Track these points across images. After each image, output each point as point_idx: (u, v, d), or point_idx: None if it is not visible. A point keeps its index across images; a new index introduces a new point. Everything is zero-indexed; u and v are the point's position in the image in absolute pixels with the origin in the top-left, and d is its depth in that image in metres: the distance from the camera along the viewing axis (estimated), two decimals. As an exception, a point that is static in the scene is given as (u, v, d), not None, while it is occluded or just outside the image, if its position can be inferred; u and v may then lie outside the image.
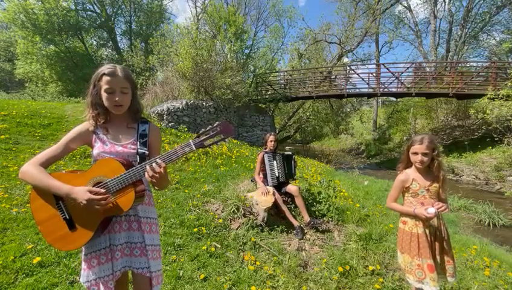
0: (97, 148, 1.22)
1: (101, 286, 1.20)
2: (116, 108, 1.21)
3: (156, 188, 1.21)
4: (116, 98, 1.18)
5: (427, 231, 1.71)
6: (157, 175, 1.10)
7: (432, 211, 1.59)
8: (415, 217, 1.73)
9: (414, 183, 1.75)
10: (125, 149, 1.24)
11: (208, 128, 1.18)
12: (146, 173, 1.10)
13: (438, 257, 1.69)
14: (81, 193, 1.07)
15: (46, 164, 1.17)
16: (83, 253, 1.23)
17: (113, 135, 1.26)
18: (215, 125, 1.18)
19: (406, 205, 1.79)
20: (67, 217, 1.14)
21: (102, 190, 1.11)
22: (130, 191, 1.13)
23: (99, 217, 1.13)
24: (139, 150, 1.24)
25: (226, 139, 1.19)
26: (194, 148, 1.16)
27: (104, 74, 1.18)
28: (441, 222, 1.73)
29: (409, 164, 1.81)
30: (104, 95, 1.19)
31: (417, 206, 1.71)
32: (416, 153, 1.70)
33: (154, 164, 1.11)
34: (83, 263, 1.23)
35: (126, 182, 1.13)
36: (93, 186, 1.14)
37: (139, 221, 1.27)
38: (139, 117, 1.33)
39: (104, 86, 1.18)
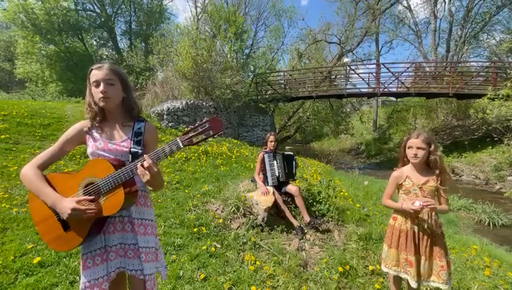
0: (90, 147, 1.22)
1: (95, 288, 1.18)
2: (102, 100, 1.18)
3: (150, 188, 1.21)
4: (101, 89, 1.17)
5: (415, 228, 1.72)
6: (147, 174, 1.07)
7: (416, 204, 1.62)
8: (404, 213, 1.75)
9: (407, 180, 1.76)
10: (118, 147, 1.23)
11: (196, 125, 1.15)
12: (138, 170, 1.09)
13: (423, 257, 1.68)
14: (66, 204, 1.06)
15: (44, 166, 1.18)
16: (81, 253, 1.23)
17: (107, 133, 1.25)
18: (203, 121, 1.16)
19: (399, 202, 1.80)
20: (62, 217, 1.13)
21: (90, 197, 1.10)
22: (120, 191, 1.11)
23: (90, 218, 1.12)
24: (131, 149, 1.22)
25: (215, 135, 1.17)
26: (181, 146, 1.13)
27: (91, 69, 1.21)
28: (433, 223, 1.71)
29: (406, 161, 1.81)
30: (92, 90, 1.20)
31: (405, 202, 1.74)
32: (411, 147, 1.71)
33: (142, 163, 1.09)
34: (81, 263, 1.23)
35: (116, 182, 1.10)
36: (84, 187, 1.14)
37: (133, 222, 1.25)
38: (135, 115, 1.32)
39: (92, 80, 1.19)
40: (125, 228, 1.25)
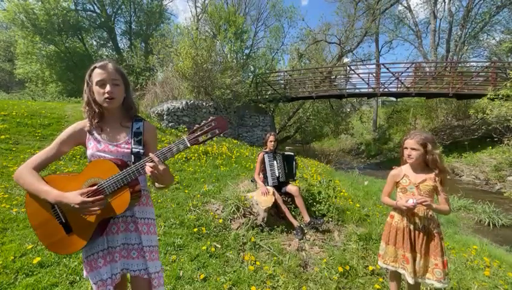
0: (91, 148, 1.19)
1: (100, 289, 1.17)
2: (108, 101, 1.16)
3: (156, 185, 1.20)
4: (107, 89, 1.15)
5: (411, 227, 1.74)
6: (156, 172, 1.08)
7: (410, 201, 1.64)
8: (401, 211, 1.78)
9: (404, 178, 1.78)
10: (119, 148, 1.21)
11: (202, 124, 1.15)
12: (147, 170, 1.08)
13: (418, 254, 1.70)
14: (72, 197, 1.04)
15: (39, 167, 1.14)
16: (83, 256, 1.21)
17: (107, 134, 1.23)
18: (209, 120, 1.16)
19: (397, 200, 1.82)
20: (63, 220, 1.12)
21: (94, 187, 1.08)
22: (126, 191, 1.10)
23: (96, 220, 1.10)
24: (133, 149, 1.21)
25: (220, 134, 1.17)
26: (189, 145, 1.13)
27: (95, 67, 1.17)
28: (430, 221, 1.72)
29: (405, 161, 1.83)
30: (95, 89, 1.17)
31: (399, 200, 1.76)
32: (406, 148, 1.73)
33: (150, 162, 1.09)
34: (84, 266, 1.21)
35: (121, 182, 1.09)
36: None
37: (136, 222, 1.25)
38: (133, 115, 1.30)
39: (95, 79, 1.16)
40: (129, 228, 1.24)
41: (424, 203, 1.62)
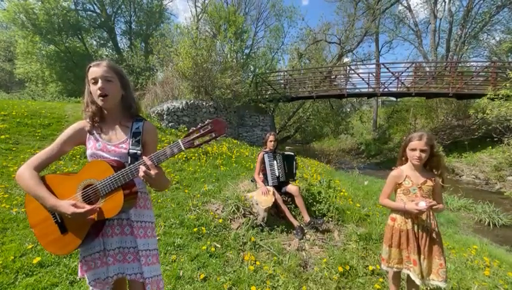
0: (90, 148, 1.20)
1: (97, 285, 1.19)
2: (101, 99, 1.15)
3: (153, 189, 1.19)
4: (99, 85, 1.14)
5: (416, 228, 1.73)
6: (148, 176, 1.07)
7: (422, 204, 1.62)
8: (404, 213, 1.75)
9: (407, 180, 1.75)
10: (117, 149, 1.20)
11: (198, 127, 1.13)
12: (139, 173, 1.07)
13: (422, 255, 1.70)
14: (66, 207, 1.04)
15: (40, 167, 1.15)
16: (80, 256, 1.22)
17: (106, 134, 1.23)
18: (206, 123, 1.14)
19: (397, 202, 1.81)
20: (59, 220, 1.12)
21: (87, 207, 1.07)
22: (120, 194, 1.09)
23: (89, 221, 1.10)
24: (130, 150, 1.19)
25: (217, 138, 1.15)
26: (183, 149, 1.11)
27: (89, 66, 1.18)
28: (432, 222, 1.73)
29: (404, 161, 1.81)
30: (91, 88, 1.18)
31: (407, 202, 1.73)
32: (414, 150, 1.70)
33: (143, 165, 1.08)
34: (79, 266, 1.22)
35: (115, 184, 1.08)
36: (83, 189, 1.12)
37: (132, 225, 1.23)
38: (133, 114, 1.28)
39: (90, 78, 1.17)
40: (124, 231, 1.23)
41: (434, 207, 1.61)
